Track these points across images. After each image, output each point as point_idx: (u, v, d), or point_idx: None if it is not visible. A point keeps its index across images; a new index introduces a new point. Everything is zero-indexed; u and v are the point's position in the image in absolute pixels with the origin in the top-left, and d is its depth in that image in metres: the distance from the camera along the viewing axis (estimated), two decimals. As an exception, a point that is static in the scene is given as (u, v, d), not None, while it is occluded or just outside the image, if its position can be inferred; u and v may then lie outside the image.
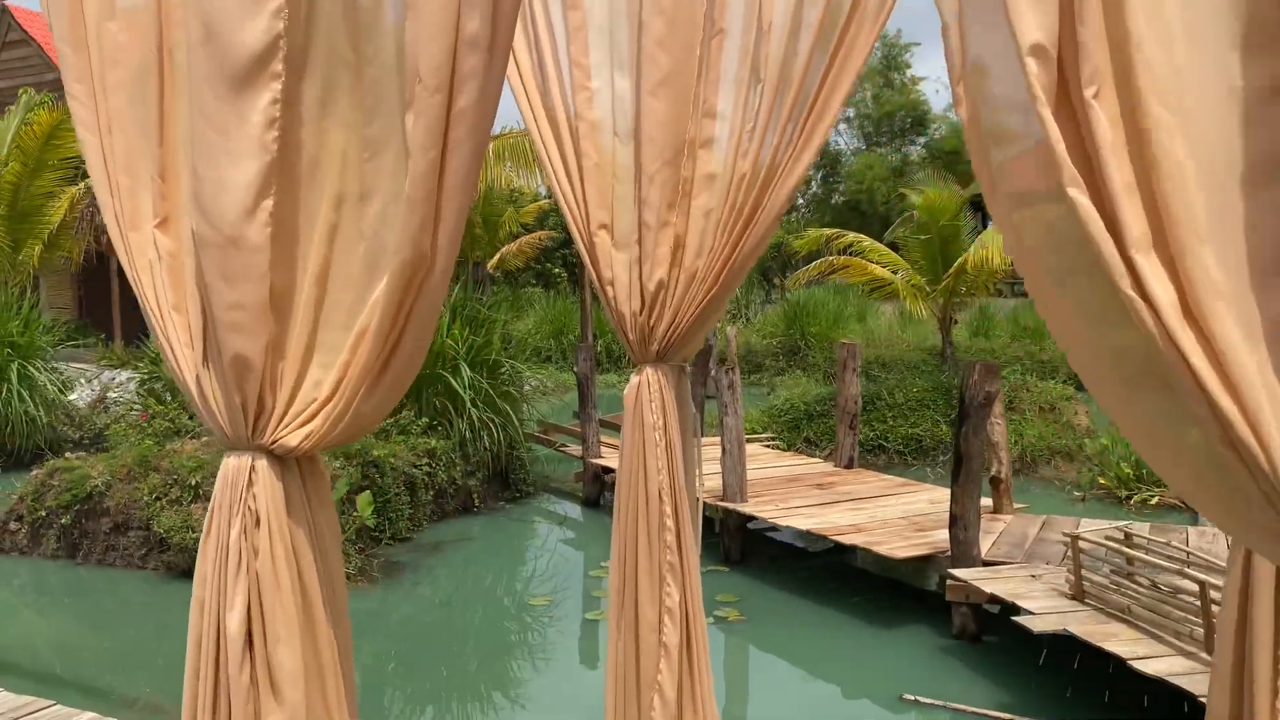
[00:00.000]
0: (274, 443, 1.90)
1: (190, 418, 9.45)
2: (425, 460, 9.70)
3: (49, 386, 13.15)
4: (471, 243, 26.15)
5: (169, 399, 10.21)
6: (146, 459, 8.67)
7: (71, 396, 14.23)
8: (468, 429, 10.27)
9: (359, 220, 1.95)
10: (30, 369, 13.01)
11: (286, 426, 1.90)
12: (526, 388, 12.84)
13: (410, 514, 9.37)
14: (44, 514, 8.82)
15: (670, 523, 3.00)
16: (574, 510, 11.18)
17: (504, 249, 26.59)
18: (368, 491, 8.46)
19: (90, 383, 15.26)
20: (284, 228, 1.88)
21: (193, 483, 8.32)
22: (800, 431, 13.01)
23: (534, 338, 22.28)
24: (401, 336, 1.85)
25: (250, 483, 1.90)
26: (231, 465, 1.91)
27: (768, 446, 11.92)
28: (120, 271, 22.60)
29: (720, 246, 2.98)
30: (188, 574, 8.13)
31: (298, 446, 1.89)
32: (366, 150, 1.91)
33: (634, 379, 3.03)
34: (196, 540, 8.22)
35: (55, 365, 14.73)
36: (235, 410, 1.88)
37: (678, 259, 2.98)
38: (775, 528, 8.77)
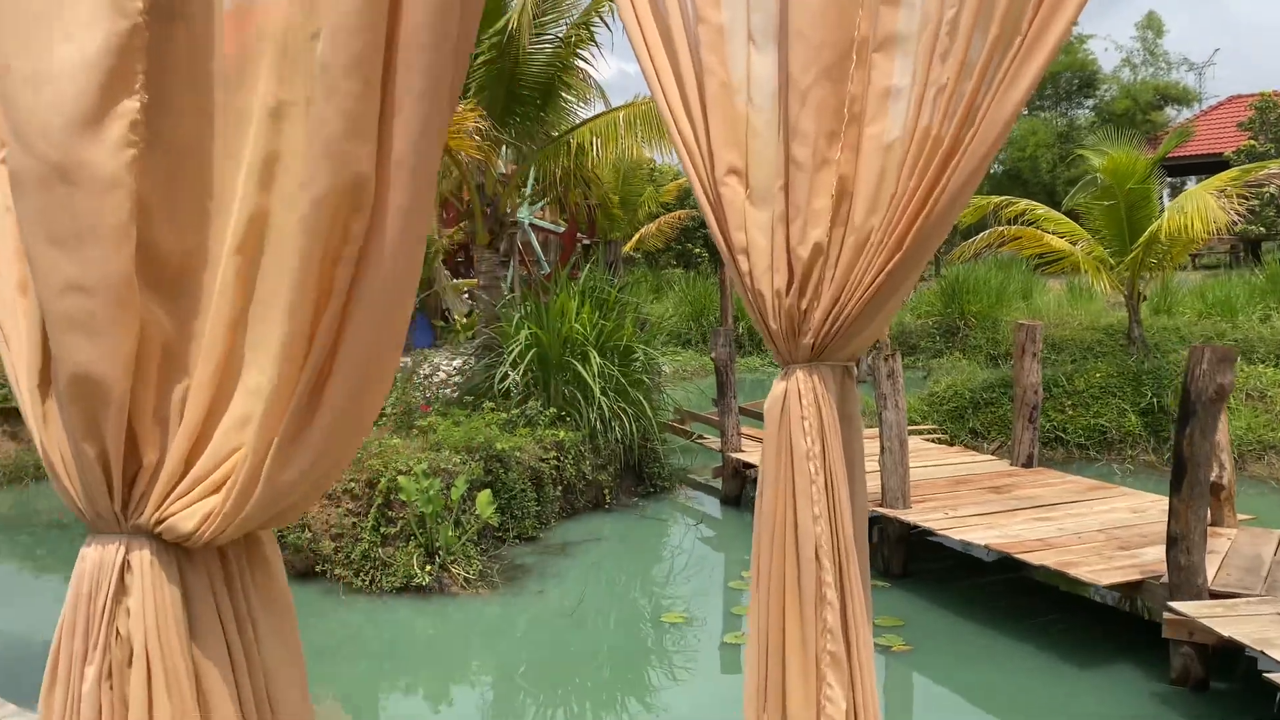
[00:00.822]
0: (158, 524, 1.10)
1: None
2: (553, 453, 9.03)
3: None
4: (610, 223, 25.60)
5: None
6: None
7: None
8: (598, 420, 9.53)
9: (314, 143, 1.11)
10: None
11: (178, 498, 1.10)
12: (663, 372, 12.05)
13: (536, 512, 8.72)
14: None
15: (832, 595, 2.09)
16: (713, 506, 10.33)
17: (643, 229, 25.90)
18: (488, 490, 7.82)
19: None
20: (171, 149, 1.07)
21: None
22: (965, 422, 11.72)
23: (672, 320, 21.50)
24: (336, 346, 1.02)
25: (120, 590, 1.11)
26: (89, 562, 1.13)
27: (929, 440, 10.73)
28: None
29: (905, 196, 2.04)
30: (306, 575, 7.73)
31: (196, 533, 1.09)
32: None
33: (778, 387, 2.13)
34: (312, 540, 7.88)
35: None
36: (88, 468, 1.09)
37: (843, 214, 2.06)
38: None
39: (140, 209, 1.02)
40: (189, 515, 1.05)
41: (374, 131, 0.96)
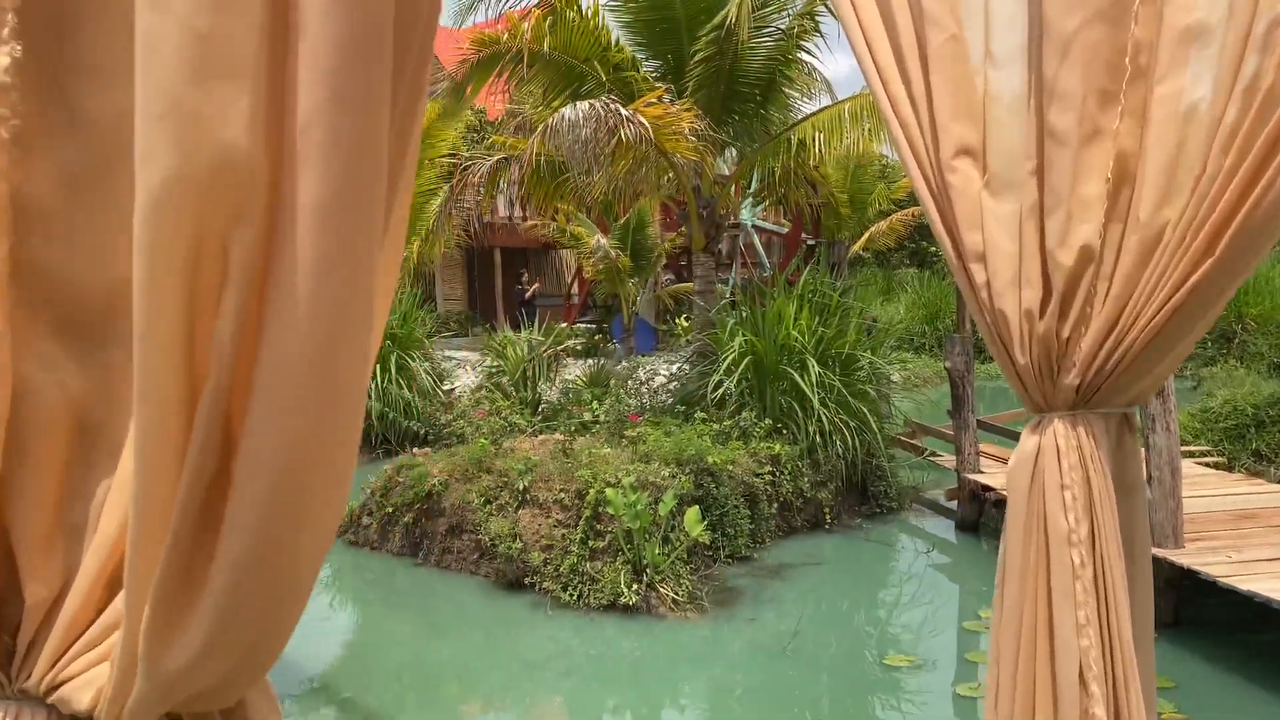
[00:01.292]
0: (48, 693, 0.74)
1: (527, 414, 9.05)
2: (768, 468, 8.54)
3: (425, 376, 13.66)
4: (837, 223, 24.71)
5: (513, 393, 9.93)
6: (480, 459, 8.31)
7: (453, 385, 14.82)
8: (817, 433, 8.95)
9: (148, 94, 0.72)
10: (407, 359, 13.58)
11: (77, 655, 0.73)
12: (891, 381, 11.26)
13: (750, 530, 8.26)
14: (390, 510, 8.80)
15: (1101, 711, 1.52)
16: (947, 530, 9.47)
17: (872, 228, 24.80)
18: (697, 506, 7.44)
19: (475, 370, 15.88)
20: (86, 133, 0.72)
21: (521, 487, 7.80)
22: (1246, 443, 10.20)
23: (903, 324, 20.38)
24: (233, 441, 0.62)
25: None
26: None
27: (1202, 464, 9.39)
28: (504, 262, 23.92)
29: (1218, 179, 1.44)
30: (516, 585, 7.68)
31: (92, 713, 0.72)
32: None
33: (1027, 442, 1.58)
34: (523, 551, 7.79)
35: (448, 355, 15.47)
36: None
37: (1123, 205, 1.49)
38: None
39: (22, 217, 0.67)
40: (84, 685, 0.69)
41: (250, 68, 0.56)
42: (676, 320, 18.15)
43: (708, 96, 10.37)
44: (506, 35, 9.49)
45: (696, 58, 10.25)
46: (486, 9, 10.14)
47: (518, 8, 9.91)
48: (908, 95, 1.62)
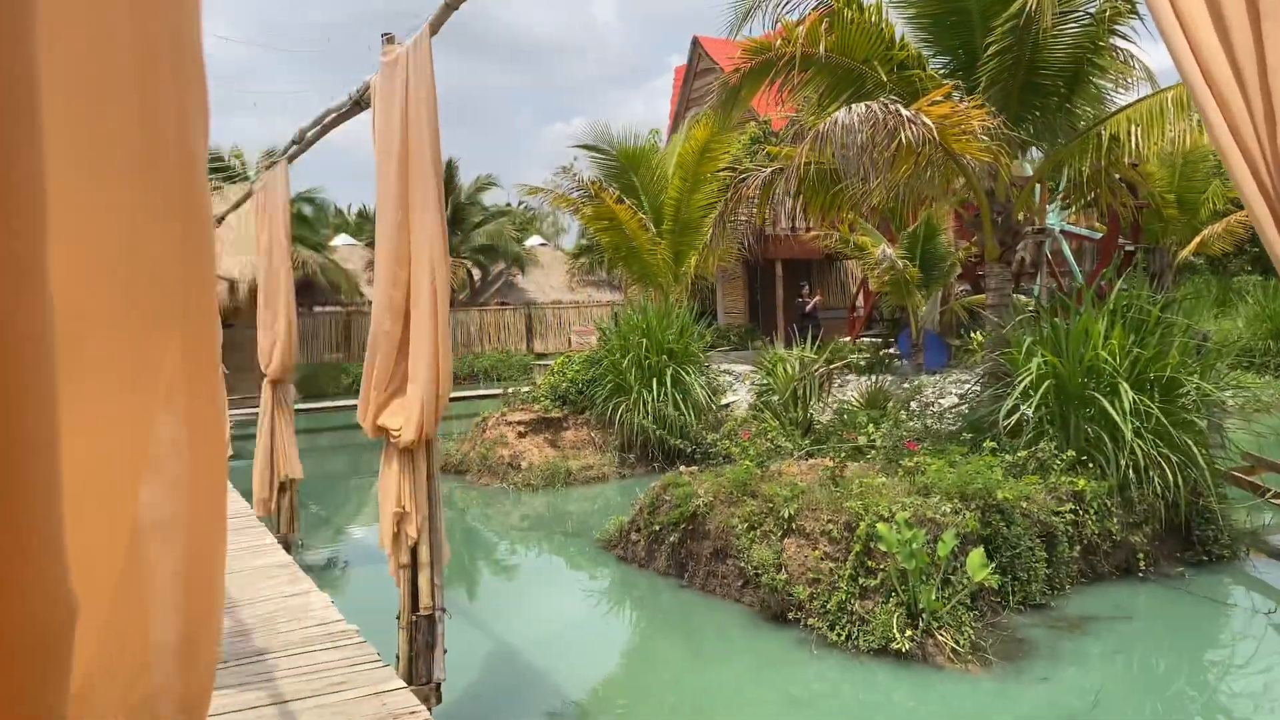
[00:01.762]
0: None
1: (796, 436, 8.63)
2: (1069, 506, 7.59)
3: (700, 391, 13.60)
4: (1163, 226, 22.18)
5: (781, 413, 9.54)
6: (745, 482, 8.01)
7: (729, 401, 14.69)
8: (1129, 467, 7.84)
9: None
10: (683, 374, 13.57)
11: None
12: (1225, 408, 9.75)
13: (1046, 575, 7.36)
14: (657, 528, 8.71)
15: None
16: (1294, 588, 8.00)
17: (1205, 231, 22.01)
18: (982, 548, 6.70)
19: (747, 386, 15.68)
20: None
21: (786, 514, 7.41)
22: None
23: (1243, 340, 17.81)
24: None
25: None
26: None
27: None
28: (785, 274, 23.57)
29: None
30: (780, 618, 7.30)
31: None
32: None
33: None
34: (787, 582, 7.38)
35: (725, 369, 15.39)
36: None
37: None
38: None
39: None
40: None
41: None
42: (971, 335, 16.94)
43: (1002, 92, 9.48)
44: (780, 41, 9.15)
45: (990, 50, 9.39)
46: (763, 18, 9.86)
47: (794, 13, 9.55)
48: (1210, 74, 1.12)
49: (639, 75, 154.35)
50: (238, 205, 10.94)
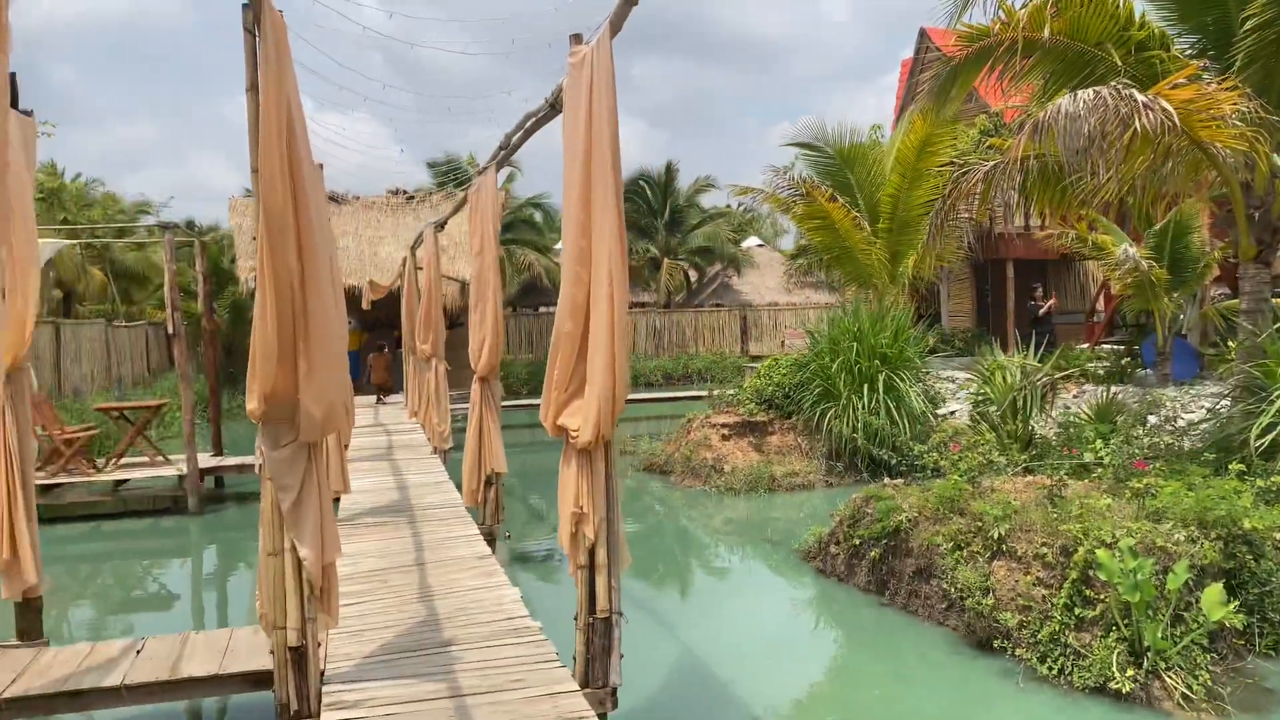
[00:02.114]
0: None
1: (1013, 450, 8.01)
2: (1336, 540, 6.61)
3: (914, 399, 12.98)
4: None
5: (998, 424, 8.91)
6: (953, 498, 7.52)
7: (948, 411, 13.95)
8: None
9: None
10: (897, 380, 13.00)
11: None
12: None
13: (1305, 617, 6.45)
14: (857, 542, 8.35)
15: None
16: None
17: None
18: (1221, 583, 5.94)
19: (963, 396, 14.85)
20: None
21: (996, 534, 6.89)
22: None
23: None
24: None
25: None
26: None
27: None
28: (1016, 275, 22.16)
29: None
30: (985, 645, 6.78)
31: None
32: None
33: None
34: (994, 608, 6.83)
35: (947, 375, 14.63)
36: None
37: None
38: None
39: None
40: None
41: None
42: (1228, 343, 15.25)
43: (1262, 71, 8.41)
44: (999, 26, 8.53)
45: (1248, 25, 8.36)
46: (985, 4, 9.25)
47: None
48: None
49: (869, 70, 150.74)
50: (456, 211, 11.46)
